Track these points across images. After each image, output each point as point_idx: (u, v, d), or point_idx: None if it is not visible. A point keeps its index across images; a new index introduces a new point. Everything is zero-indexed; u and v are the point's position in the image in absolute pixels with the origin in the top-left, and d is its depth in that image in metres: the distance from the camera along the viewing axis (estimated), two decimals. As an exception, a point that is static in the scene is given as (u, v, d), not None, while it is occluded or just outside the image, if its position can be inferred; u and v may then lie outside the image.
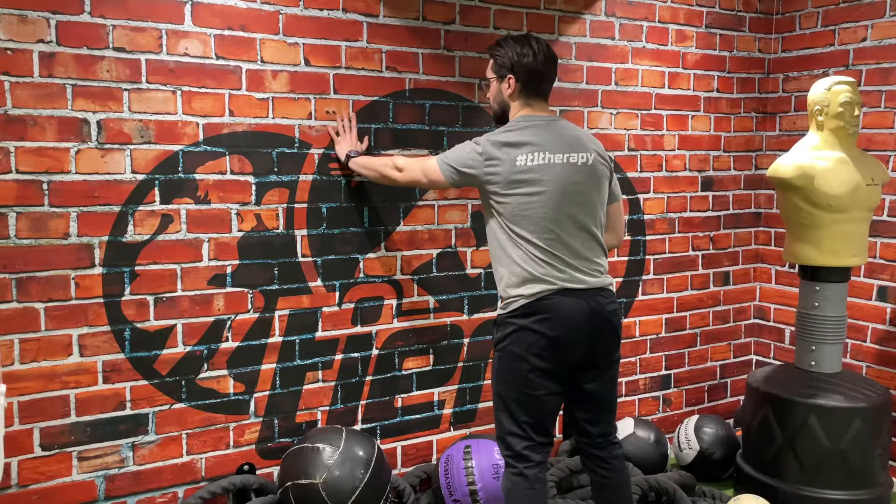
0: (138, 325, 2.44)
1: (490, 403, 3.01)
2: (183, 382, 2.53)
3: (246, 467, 2.64)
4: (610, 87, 3.30)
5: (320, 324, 2.75)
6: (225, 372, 2.60)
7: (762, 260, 3.87)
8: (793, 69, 3.68)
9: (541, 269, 2.14)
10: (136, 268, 2.42)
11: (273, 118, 2.60)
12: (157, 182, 2.43)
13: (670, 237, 3.56)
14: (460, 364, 3.06)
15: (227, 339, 2.59)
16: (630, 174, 3.40)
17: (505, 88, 2.27)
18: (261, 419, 2.68)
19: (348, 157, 2.63)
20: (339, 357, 2.80)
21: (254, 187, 2.59)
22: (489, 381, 2.69)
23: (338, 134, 2.69)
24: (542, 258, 2.15)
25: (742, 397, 3.75)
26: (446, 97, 2.91)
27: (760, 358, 3.89)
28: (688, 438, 3.30)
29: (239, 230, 2.58)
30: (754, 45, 3.72)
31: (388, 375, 2.91)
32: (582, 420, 2.31)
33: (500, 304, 2.26)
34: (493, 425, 2.46)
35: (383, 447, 2.87)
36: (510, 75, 2.24)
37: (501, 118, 2.34)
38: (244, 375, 2.63)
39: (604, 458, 2.32)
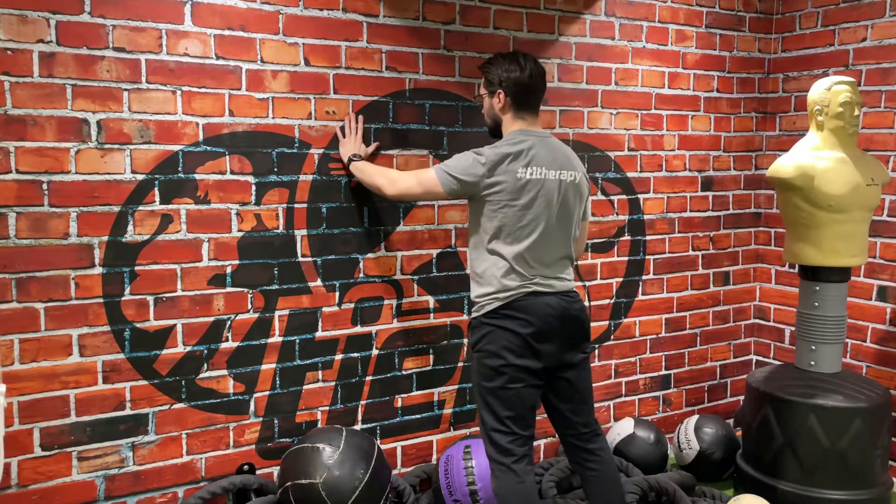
0: (138, 325, 2.44)
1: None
2: (183, 382, 2.53)
3: (246, 467, 2.64)
4: (610, 87, 3.30)
5: (320, 324, 2.75)
6: (225, 372, 2.60)
7: (762, 260, 3.87)
8: (793, 69, 3.68)
9: (516, 275, 2.27)
10: (136, 268, 2.42)
11: (273, 118, 2.60)
12: (156, 182, 2.43)
13: (670, 237, 3.56)
14: (460, 364, 3.06)
15: (227, 339, 2.59)
16: (630, 174, 3.40)
17: (496, 103, 2.39)
18: (261, 419, 2.68)
19: (350, 160, 2.63)
20: (339, 357, 2.80)
21: (254, 187, 2.59)
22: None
23: (344, 135, 2.70)
24: (517, 267, 2.27)
25: (742, 397, 3.75)
26: (446, 97, 2.91)
27: (760, 358, 3.89)
28: (688, 438, 3.30)
29: (239, 230, 2.58)
30: (754, 45, 3.72)
31: (388, 375, 2.91)
32: (566, 411, 2.39)
33: (474, 307, 2.35)
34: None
35: (383, 447, 2.87)
36: (499, 90, 2.35)
37: (495, 132, 2.46)
38: (244, 375, 2.63)
39: (592, 450, 2.41)
